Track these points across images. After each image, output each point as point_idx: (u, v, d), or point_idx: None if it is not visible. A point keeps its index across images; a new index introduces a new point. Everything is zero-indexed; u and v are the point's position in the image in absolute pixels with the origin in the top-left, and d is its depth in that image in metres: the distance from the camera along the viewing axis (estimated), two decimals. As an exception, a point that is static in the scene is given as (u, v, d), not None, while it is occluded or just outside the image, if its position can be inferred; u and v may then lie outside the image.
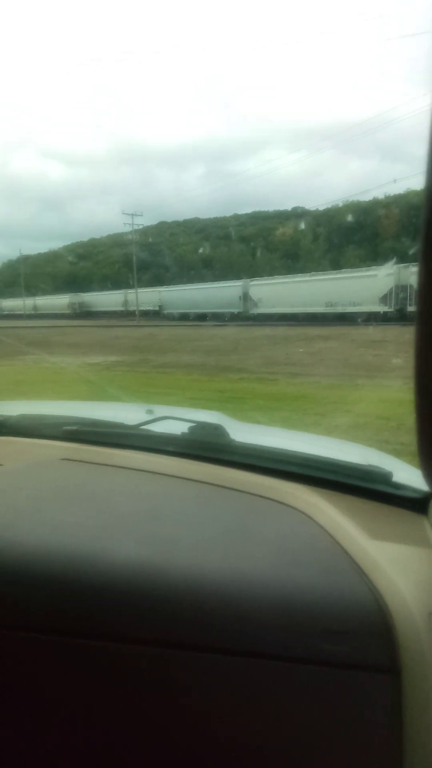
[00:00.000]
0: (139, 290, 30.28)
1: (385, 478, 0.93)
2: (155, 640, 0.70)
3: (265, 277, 25.98)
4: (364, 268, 22.61)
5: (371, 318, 17.84)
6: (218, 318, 23.53)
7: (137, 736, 0.72)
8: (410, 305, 16.61)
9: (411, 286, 16.70)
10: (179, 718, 0.70)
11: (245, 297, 23.60)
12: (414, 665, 0.64)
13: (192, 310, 25.72)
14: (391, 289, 17.87)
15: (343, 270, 24.28)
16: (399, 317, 16.59)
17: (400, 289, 17.45)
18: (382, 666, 0.65)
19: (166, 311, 27.44)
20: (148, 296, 29.49)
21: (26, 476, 1.09)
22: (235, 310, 23.59)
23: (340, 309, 19.53)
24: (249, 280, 24.60)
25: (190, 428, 1.14)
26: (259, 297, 23.19)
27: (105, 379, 8.96)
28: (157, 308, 28.22)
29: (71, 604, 0.73)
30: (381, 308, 18.01)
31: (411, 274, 16.84)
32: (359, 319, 17.97)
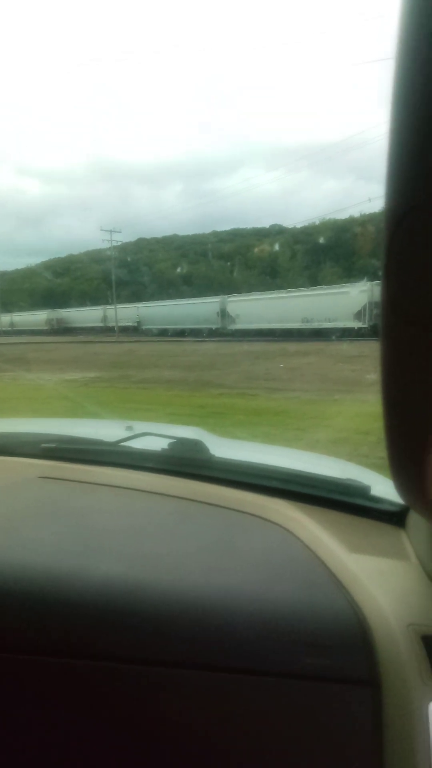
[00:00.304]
0: (118, 306, 30.30)
1: (363, 492, 0.94)
2: (136, 658, 0.70)
3: (243, 294, 26.49)
4: (338, 285, 23.21)
5: (346, 334, 18.32)
6: (196, 334, 23.83)
7: (119, 753, 0.71)
8: None
9: None
10: (161, 735, 0.69)
11: (223, 313, 23.96)
12: (393, 678, 0.64)
13: (170, 326, 25.96)
14: (365, 305, 18.41)
15: (318, 287, 25.09)
16: (372, 333, 17.10)
17: (374, 305, 17.90)
18: (362, 679, 0.65)
19: (144, 327, 27.63)
20: (127, 312, 29.54)
21: (4, 495, 1.07)
22: (213, 326, 23.93)
23: (315, 325, 20.06)
24: (227, 296, 25.00)
25: (170, 444, 1.14)
26: (236, 313, 23.55)
27: (84, 395, 8.88)
28: (135, 324, 28.28)
29: (51, 623, 0.72)
30: (355, 324, 18.55)
31: None
32: (334, 335, 18.47)
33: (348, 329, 18.56)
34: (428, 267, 0.29)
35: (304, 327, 20.34)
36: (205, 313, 24.54)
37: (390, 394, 0.36)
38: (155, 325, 27.13)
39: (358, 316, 18.65)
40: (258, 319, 22.28)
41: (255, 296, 25.33)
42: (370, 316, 18.08)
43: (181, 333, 24.67)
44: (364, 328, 18.05)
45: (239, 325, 23.02)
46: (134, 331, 27.88)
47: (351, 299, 18.89)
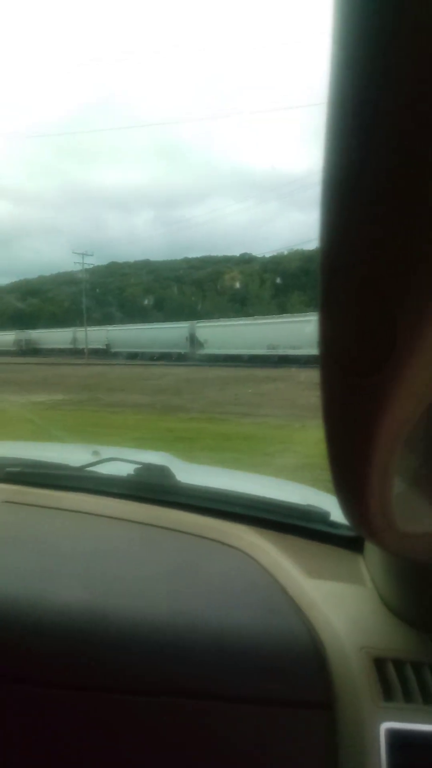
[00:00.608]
0: (89, 329, 30.12)
1: (323, 517, 0.98)
2: (95, 684, 0.70)
3: (211, 320, 26.90)
4: (302, 314, 23.83)
5: (310, 361, 18.52)
6: (165, 358, 23.95)
7: None
8: None
9: None
10: (115, 760, 0.69)
11: (191, 338, 24.24)
12: (347, 700, 0.66)
13: (139, 350, 26.02)
14: None
15: (284, 315, 25.76)
16: None
17: None
18: (317, 701, 0.67)
19: (113, 350, 27.59)
20: (97, 335, 29.38)
21: None
22: (182, 351, 24.14)
23: (281, 351, 20.53)
24: (195, 321, 25.31)
25: (136, 470, 1.16)
26: (205, 338, 23.91)
27: (50, 418, 8.72)
28: (105, 347, 28.18)
29: (11, 648, 0.72)
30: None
31: None
32: (300, 362, 18.83)
33: (311, 356, 18.50)
34: (353, 319, 0.31)
35: (269, 353, 20.84)
36: (174, 337, 24.77)
37: (328, 429, 0.38)
38: (124, 348, 27.21)
39: None
40: (226, 344, 22.73)
41: (223, 322, 25.79)
42: None
43: (150, 357, 24.70)
44: None
45: (207, 350, 23.35)
46: (105, 354, 27.74)
47: (314, 328, 19.23)
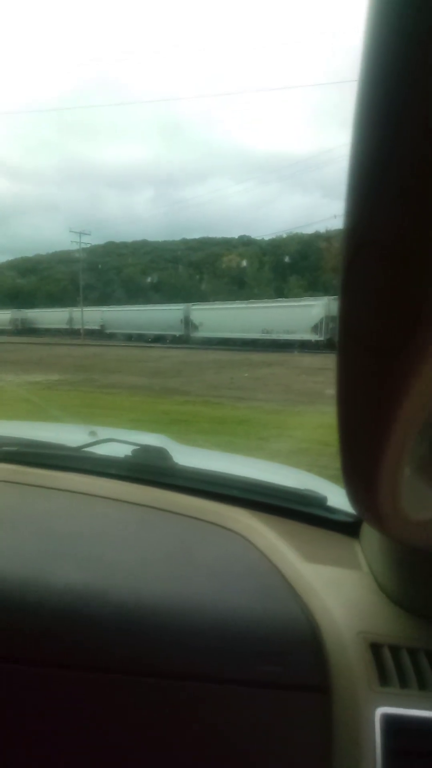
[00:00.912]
0: (85, 309, 29.99)
1: (320, 502, 0.98)
2: (92, 665, 0.70)
3: (206, 303, 27.00)
4: (297, 299, 24.16)
5: (304, 346, 19.02)
6: (160, 340, 23.99)
7: (67, 759, 0.70)
8: None
9: None
10: (114, 742, 0.70)
11: (186, 321, 24.26)
12: (342, 684, 0.67)
13: (134, 331, 26.06)
14: (322, 319, 19.12)
15: (278, 299, 25.97)
16: (328, 346, 17.81)
17: (330, 319, 18.71)
18: (313, 685, 0.68)
19: (107, 331, 27.59)
20: (93, 315, 29.27)
21: None
22: (177, 333, 24.18)
23: (275, 336, 20.61)
24: (190, 304, 25.31)
25: (134, 451, 1.15)
26: (200, 321, 23.92)
27: (47, 398, 8.70)
28: (99, 327, 28.14)
29: (9, 629, 0.71)
30: (313, 337, 19.27)
31: None
32: (293, 347, 19.09)
33: (305, 341, 19.29)
34: (377, 298, 0.30)
35: (264, 337, 20.88)
36: (169, 319, 24.78)
37: (343, 411, 0.37)
38: (119, 329, 27.22)
39: (315, 329, 19.41)
40: (220, 328, 22.72)
41: (218, 305, 25.83)
42: (326, 329, 18.87)
43: (144, 338, 24.77)
44: (321, 340, 18.81)
45: (202, 333, 23.39)
46: (99, 334, 27.69)
47: (309, 312, 19.60)
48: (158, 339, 24.26)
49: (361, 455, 0.39)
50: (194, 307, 24.87)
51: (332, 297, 19.61)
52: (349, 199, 0.28)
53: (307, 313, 19.63)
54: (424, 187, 0.25)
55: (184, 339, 23.61)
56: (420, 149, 0.24)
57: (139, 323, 26.42)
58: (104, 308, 29.88)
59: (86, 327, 28.67)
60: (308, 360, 15.36)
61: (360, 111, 0.26)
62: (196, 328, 23.90)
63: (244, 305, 24.26)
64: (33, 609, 0.72)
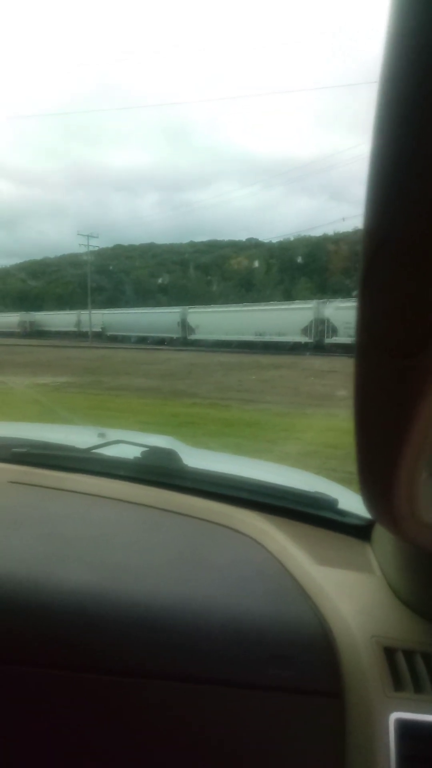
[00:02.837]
0: (92, 312, 30.39)
1: (331, 505, 0.97)
2: (103, 667, 0.69)
3: (202, 306, 27.44)
4: (288, 302, 24.70)
5: (295, 347, 19.55)
6: (158, 342, 24.43)
7: (76, 759, 0.70)
8: (327, 337, 18.81)
9: (328, 320, 18.88)
10: (124, 745, 0.69)
11: (183, 323, 24.76)
12: (356, 689, 0.66)
13: (133, 334, 26.60)
14: (311, 321, 19.66)
15: (270, 302, 26.49)
16: (317, 347, 18.58)
17: (319, 322, 19.40)
18: (325, 690, 0.67)
19: (108, 333, 28.14)
20: (96, 318, 29.74)
21: None
22: (174, 335, 24.64)
23: (267, 338, 21.14)
24: (187, 307, 25.88)
25: (143, 453, 1.15)
26: (196, 324, 24.41)
27: (55, 400, 8.74)
28: (100, 330, 28.72)
29: (18, 631, 0.71)
30: (303, 339, 19.90)
31: (327, 308, 19.04)
32: (286, 348, 19.62)
33: (296, 343, 19.89)
34: (396, 297, 0.30)
35: (257, 339, 21.45)
36: (167, 322, 25.28)
37: (361, 412, 0.37)
38: (119, 332, 27.80)
39: (305, 331, 19.96)
40: (215, 330, 23.21)
41: (213, 308, 26.41)
42: (316, 332, 19.51)
43: (143, 340, 25.27)
44: (310, 342, 19.40)
45: (198, 336, 23.86)
46: (100, 337, 28.18)
47: (299, 315, 20.23)
48: (156, 341, 24.74)
49: (378, 457, 0.38)
50: (191, 310, 25.40)
51: (321, 300, 20.42)
52: (369, 199, 0.28)
53: (298, 316, 20.22)
54: None
55: (181, 341, 24.06)
56: None
57: (138, 326, 26.96)
58: (104, 311, 30.46)
59: (94, 329, 29.04)
60: (317, 362, 15.32)
61: (381, 110, 0.26)
62: (192, 330, 24.37)
63: (238, 308, 24.90)
64: (42, 610, 0.72)
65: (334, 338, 18.33)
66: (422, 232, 0.27)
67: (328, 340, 18.71)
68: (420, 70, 0.24)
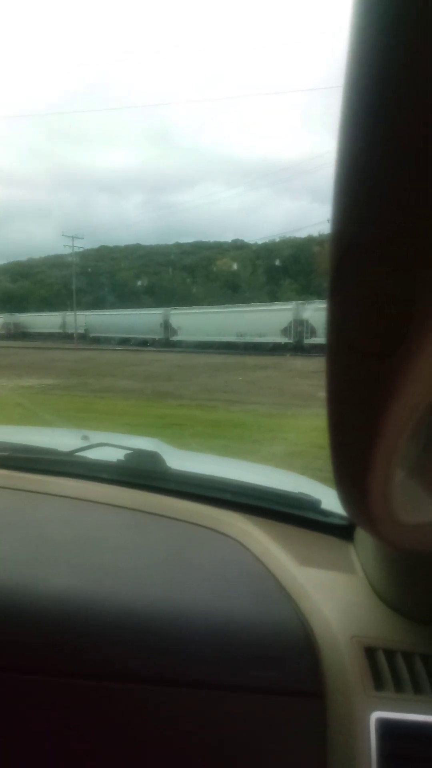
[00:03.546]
0: (76, 313, 30.40)
1: (314, 505, 0.97)
2: (87, 672, 0.69)
3: (184, 307, 27.89)
4: (267, 303, 25.49)
5: (275, 348, 19.98)
6: (141, 343, 24.72)
7: (62, 763, 0.69)
8: (306, 338, 19.28)
9: (306, 321, 19.32)
10: (107, 748, 0.69)
11: (166, 324, 25.04)
12: (337, 689, 0.66)
13: (116, 335, 26.81)
14: (290, 322, 20.11)
15: (251, 303, 26.98)
16: (297, 348, 19.06)
17: (298, 323, 19.89)
18: (307, 690, 0.67)
19: (91, 335, 28.30)
20: (80, 319, 29.76)
21: None
22: (157, 337, 24.95)
23: (248, 339, 21.65)
24: (169, 308, 26.21)
25: (126, 455, 1.14)
26: (178, 325, 24.72)
27: (40, 402, 8.66)
28: (83, 331, 28.83)
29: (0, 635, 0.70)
30: (282, 339, 20.33)
31: (306, 310, 19.48)
32: (266, 348, 20.18)
33: (276, 343, 20.33)
34: (367, 298, 0.30)
35: (238, 340, 21.86)
36: (149, 323, 25.55)
37: (333, 413, 0.37)
38: (101, 333, 28.00)
39: (285, 332, 20.38)
40: (198, 331, 23.56)
41: (195, 310, 26.84)
42: (295, 332, 19.99)
43: (126, 342, 25.53)
44: (290, 343, 19.82)
45: (180, 337, 24.18)
46: (83, 338, 28.22)
47: (278, 317, 20.68)
48: (139, 342, 24.98)
49: (351, 458, 0.38)
50: (173, 311, 25.71)
51: (300, 302, 20.87)
52: (337, 199, 0.28)
53: (277, 317, 20.63)
54: (415, 185, 0.25)
55: (164, 342, 24.31)
56: (411, 148, 0.24)
57: (120, 327, 27.18)
58: (87, 312, 30.67)
59: (68, 331, 29.16)
60: (301, 363, 15.41)
61: (348, 108, 0.26)
62: (175, 332, 24.65)
63: (220, 309, 25.25)
64: (24, 616, 0.71)
65: (313, 339, 18.77)
66: (391, 234, 0.26)
67: (306, 341, 19.17)
68: (384, 71, 0.24)
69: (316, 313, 18.62)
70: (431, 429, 0.43)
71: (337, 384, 0.35)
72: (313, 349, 17.61)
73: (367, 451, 0.35)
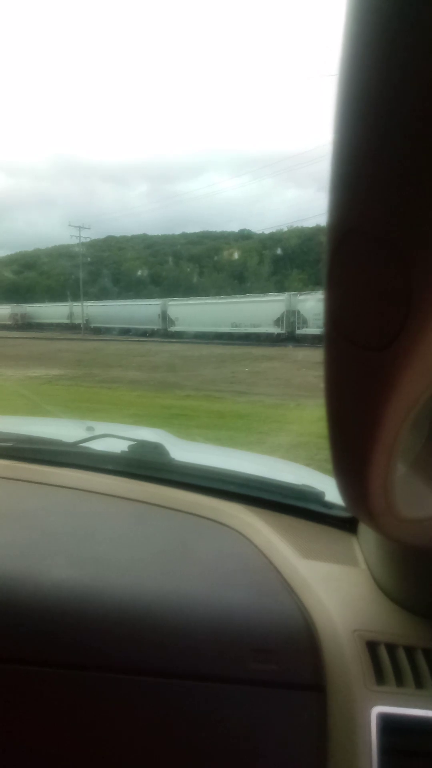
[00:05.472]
0: (77, 303, 30.82)
1: (317, 497, 0.97)
2: (86, 664, 0.69)
3: (182, 298, 28.26)
4: (262, 294, 25.72)
5: (268, 338, 20.46)
6: (140, 334, 25.15)
7: (64, 760, 0.70)
8: (298, 328, 19.74)
9: (299, 312, 19.82)
10: (104, 741, 0.69)
11: (164, 315, 25.43)
12: (338, 683, 0.66)
13: (116, 325, 27.23)
14: (283, 313, 20.54)
15: (246, 295, 27.71)
16: (289, 338, 19.53)
17: (291, 314, 20.38)
18: (308, 684, 0.67)
19: (92, 325, 28.75)
20: (86, 310, 30.04)
21: None
22: (155, 327, 25.37)
23: (243, 329, 22.12)
24: (167, 299, 26.65)
25: (130, 447, 1.14)
26: (176, 316, 25.13)
27: (46, 393, 8.69)
28: (84, 321, 29.25)
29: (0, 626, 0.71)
30: (275, 330, 20.78)
31: (299, 301, 19.96)
32: (260, 339, 20.61)
33: (269, 334, 20.82)
34: (365, 288, 0.29)
35: (233, 331, 22.31)
36: (148, 314, 25.98)
37: (331, 407, 0.36)
38: (102, 323, 28.44)
39: (278, 322, 20.80)
40: (194, 322, 23.91)
41: (192, 301, 27.35)
42: (287, 323, 20.47)
43: (126, 332, 25.92)
44: (283, 333, 20.32)
45: (178, 327, 24.55)
46: (85, 328, 28.59)
47: (272, 307, 21.13)
48: (138, 332, 25.33)
49: (351, 451, 0.38)
50: (171, 302, 26.06)
51: (292, 293, 21.28)
52: (334, 186, 0.27)
53: (270, 308, 21.06)
54: (413, 171, 0.24)
55: (162, 333, 24.68)
56: (410, 132, 0.24)
57: (120, 318, 27.60)
58: (88, 303, 31.14)
59: (75, 321, 29.41)
60: (308, 354, 15.38)
61: (345, 94, 0.25)
62: (172, 322, 24.99)
63: (216, 301, 25.71)
64: (25, 607, 0.71)
65: (305, 329, 19.30)
66: (388, 222, 0.26)
67: (299, 331, 19.60)
68: (378, 61, 0.24)
69: (307, 303, 19.13)
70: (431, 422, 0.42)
71: (335, 376, 0.35)
72: (305, 339, 18.31)
73: (367, 444, 0.35)
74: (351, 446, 0.37)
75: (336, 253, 0.29)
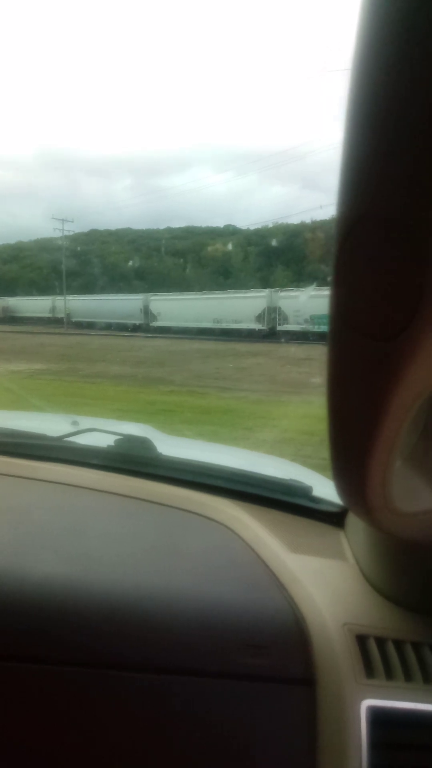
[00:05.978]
0: (60, 297, 30.56)
1: (305, 492, 0.97)
2: (74, 660, 0.68)
3: (164, 293, 28.19)
4: (243, 291, 25.63)
5: (250, 334, 20.62)
6: (122, 328, 25.14)
7: (52, 753, 0.69)
8: (279, 325, 19.87)
9: (279, 308, 19.94)
10: (94, 738, 0.68)
11: (146, 310, 25.39)
12: (328, 677, 0.66)
13: (97, 320, 27.08)
14: (264, 309, 20.69)
15: (227, 291, 27.43)
16: (270, 334, 19.68)
17: (271, 310, 20.49)
18: (298, 678, 0.67)
19: (74, 319, 28.55)
20: (69, 304, 29.82)
21: None
22: (137, 322, 25.36)
23: (224, 325, 22.15)
24: (149, 294, 26.54)
25: (116, 441, 1.13)
26: (158, 311, 25.11)
27: (29, 387, 8.59)
28: (66, 315, 29.11)
29: None
30: (256, 326, 20.93)
31: (280, 298, 20.05)
32: (241, 335, 20.70)
33: (251, 330, 20.92)
34: (375, 277, 0.29)
35: (214, 326, 22.34)
36: (130, 309, 25.92)
37: (334, 399, 0.36)
38: (84, 317, 28.24)
39: (259, 318, 20.95)
40: (176, 317, 23.94)
41: (174, 296, 27.27)
42: (268, 319, 20.63)
43: (108, 327, 25.82)
44: (264, 329, 20.46)
45: (160, 322, 24.51)
46: (88, 324, 28.44)
47: (253, 303, 21.25)
48: (120, 327, 25.26)
49: (351, 445, 0.37)
50: (153, 297, 25.98)
51: (273, 289, 21.49)
52: (344, 176, 0.27)
53: (252, 304, 21.17)
54: (427, 156, 0.24)
55: (144, 328, 24.66)
56: (428, 115, 0.23)
57: (102, 312, 27.40)
58: (70, 297, 30.90)
59: (57, 315, 29.20)
60: (292, 350, 15.46)
61: (356, 89, 0.25)
62: (154, 317, 24.99)
63: (197, 296, 25.76)
64: (10, 603, 0.70)
65: (285, 326, 19.40)
66: (399, 207, 0.26)
67: (279, 327, 19.71)
68: (390, 56, 0.24)
69: (287, 300, 19.24)
70: (428, 417, 0.42)
71: (340, 368, 0.34)
72: (285, 335, 18.42)
73: (369, 438, 0.35)
74: (352, 439, 0.37)
75: (344, 244, 0.29)
